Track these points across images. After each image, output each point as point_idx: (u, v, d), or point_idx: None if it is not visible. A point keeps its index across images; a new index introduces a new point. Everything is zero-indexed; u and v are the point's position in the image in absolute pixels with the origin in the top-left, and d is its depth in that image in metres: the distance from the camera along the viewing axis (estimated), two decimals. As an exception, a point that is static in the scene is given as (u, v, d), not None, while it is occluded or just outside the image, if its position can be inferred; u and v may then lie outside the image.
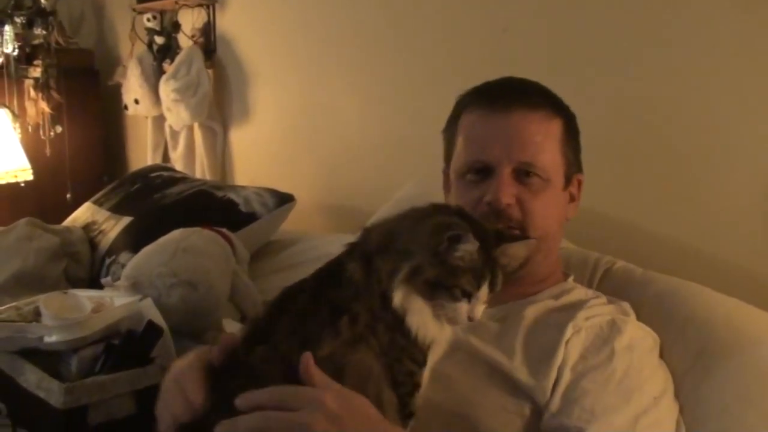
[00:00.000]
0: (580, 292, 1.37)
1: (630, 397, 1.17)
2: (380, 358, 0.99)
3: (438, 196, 1.46)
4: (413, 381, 1.04)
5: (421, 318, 1.02)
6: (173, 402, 1.04)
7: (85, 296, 1.88)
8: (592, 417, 1.14)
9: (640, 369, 1.22)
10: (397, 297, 1.00)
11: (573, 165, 1.36)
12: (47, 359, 1.76)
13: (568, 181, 1.35)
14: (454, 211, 1.11)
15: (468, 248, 0.99)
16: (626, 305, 1.35)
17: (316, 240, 2.50)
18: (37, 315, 1.83)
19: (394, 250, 1.02)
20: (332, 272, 1.05)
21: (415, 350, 1.03)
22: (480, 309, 1.04)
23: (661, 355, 1.32)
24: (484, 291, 1.04)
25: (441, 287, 1.01)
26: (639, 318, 1.35)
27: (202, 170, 3.35)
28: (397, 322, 1.01)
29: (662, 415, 1.21)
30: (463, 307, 1.02)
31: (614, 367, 1.19)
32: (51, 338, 1.75)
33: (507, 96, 1.33)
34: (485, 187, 1.30)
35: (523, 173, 1.29)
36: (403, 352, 1.02)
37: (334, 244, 2.14)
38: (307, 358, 0.94)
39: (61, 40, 3.74)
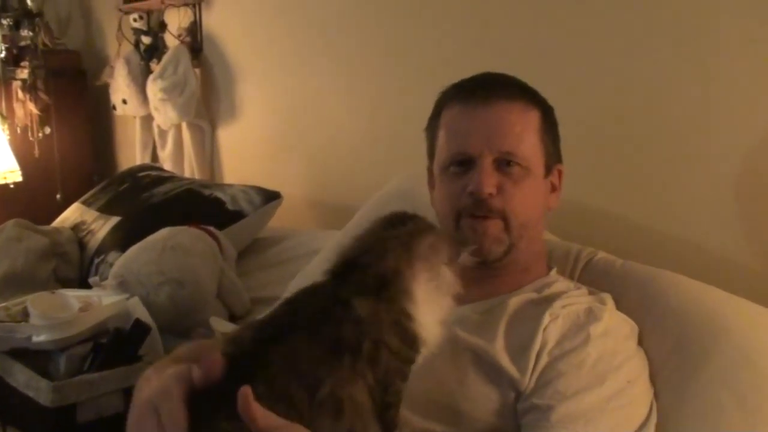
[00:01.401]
0: (561, 285, 1.38)
1: (603, 379, 1.19)
2: (372, 392, 0.95)
3: (422, 193, 1.47)
4: (400, 397, 1.01)
5: (432, 322, 1.00)
6: (149, 429, 0.91)
7: (73, 296, 1.90)
8: (563, 397, 1.16)
9: (614, 354, 1.23)
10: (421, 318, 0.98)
11: (552, 155, 1.38)
12: (36, 358, 1.78)
13: (548, 170, 1.37)
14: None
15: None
16: (606, 296, 1.36)
17: (303, 237, 2.52)
18: (25, 315, 1.85)
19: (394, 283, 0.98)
20: (329, 309, 0.97)
21: (410, 366, 0.99)
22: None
23: (640, 344, 1.33)
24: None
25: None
26: (619, 308, 1.36)
27: (190, 169, 3.36)
28: (411, 340, 0.98)
29: (635, 398, 1.22)
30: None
31: (588, 351, 1.21)
32: (39, 338, 1.77)
33: (485, 88, 1.36)
34: (468, 178, 1.32)
35: (504, 163, 1.31)
36: (398, 374, 0.98)
37: (321, 240, 2.19)
38: (246, 396, 0.84)
39: (48, 42, 3.74)
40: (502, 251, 1.34)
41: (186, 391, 0.90)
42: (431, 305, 1.00)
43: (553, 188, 1.42)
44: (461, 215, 1.34)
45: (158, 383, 0.94)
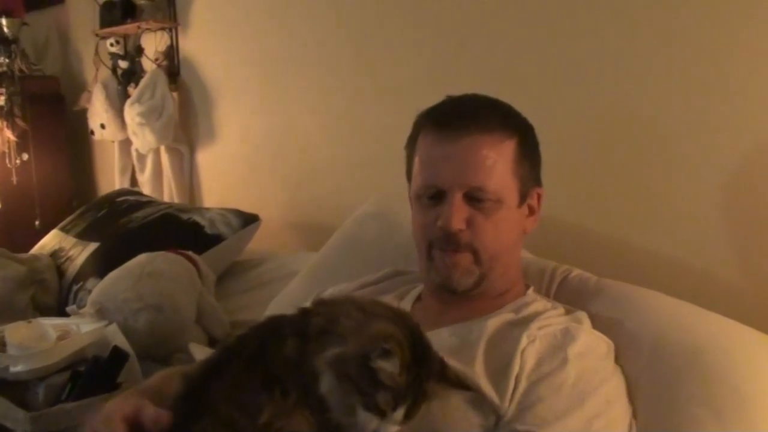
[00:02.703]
0: (538, 305, 1.38)
1: (583, 400, 1.19)
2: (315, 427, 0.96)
3: (397, 213, 1.47)
4: None
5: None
6: None
7: (51, 324, 1.89)
8: (544, 422, 1.16)
9: (593, 373, 1.24)
10: (324, 381, 0.95)
11: (529, 180, 1.37)
12: (14, 389, 1.77)
13: (523, 198, 1.36)
14: (411, 325, 1.05)
15: (388, 368, 0.93)
16: (582, 314, 1.37)
17: (282, 259, 2.52)
18: (2, 345, 1.83)
19: (333, 334, 0.99)
20: (272, 341, 1.01)
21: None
22: (390, 430, 0.96)
23: (617, 361, 1.34)
24: (399, 414, 0.95)
25: (358, 392, 0.94)
26: (594, 325, 1.36)
27: (170, 192, 3.36)
28: (324, 408, 0.96)
29: (615, 418, 1.23)
30: (372, 421, 0.94)
31: (567, 372, 1.21)
32: (16, 368, 1.76)
33: (459, 119, 1.34)
34: (439, 210, 1.33)
35: (475, 197, 1.31)
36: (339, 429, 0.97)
37: (300, 262, 2.19)
38: None
39: (24, 68, 3.73)
40: (472, 282, 1.35)
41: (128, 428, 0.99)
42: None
43: (531, 211, 1.41)
44: (433, 246, 1.36)
45: (103, 413, 1.03)
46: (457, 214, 1.30)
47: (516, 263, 1.43)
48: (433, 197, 1.35)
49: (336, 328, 1.00)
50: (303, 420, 0.95)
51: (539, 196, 1.41)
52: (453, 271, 1.35)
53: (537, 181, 1.41)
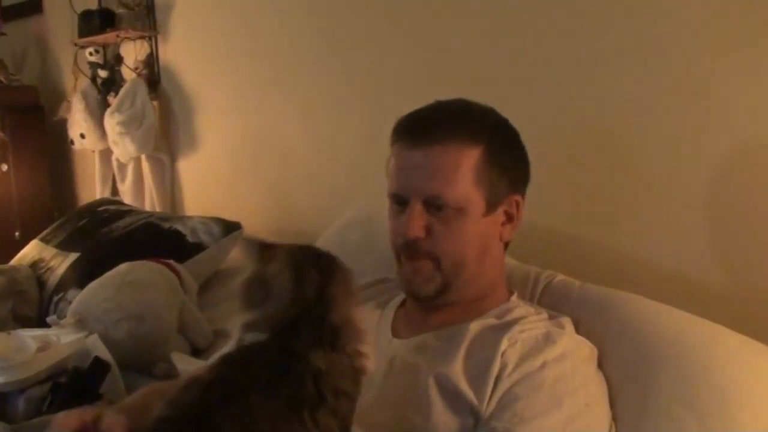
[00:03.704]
0: (521, 310, 1.38)
1: (561, 402, 1.20)
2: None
3: (380, 220, 1.47)
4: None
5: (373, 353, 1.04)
6: None
7: (30, 336, 1.87)
8: (521, 420, 1.17)
9: (572, 376, 1.24)
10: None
11: (501, 188, 1.36)
12: (-7, 401, 1.75)
13: (491, 206, 1.36)
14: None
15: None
16: (565, 320, 1.37)
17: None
18: (-18, 357, 1.81)
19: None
20: (285, 365, 0.97)
21: (357, 400, 1.03)
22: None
23: (600, 366, 1.34)
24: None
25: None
26: (578, 330, 1.37)
27: (151, 202, 3.34)
28: (359, 377, 1.02)
29: (593, 422, 1.24)
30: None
31: (546, 374, 1.22)
32: (-4, 380, 1.74)
33: (424, 127, 1.36)
34: (403, 218, 1.35)
35: (434, 206, 1.32)
36: (351, 413, 1.01)
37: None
38: None
39: (3, 78, 3.73)
40: (434, 289, 1.36)
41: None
42: (370, 338, 1.04)
43: (509, 218, 1.40)
44: (400, 253, 1.38)
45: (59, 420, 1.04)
46: (415, 222, 1.32)
47: (491, 270, 1.42)
48: (400, 204, 1.36)
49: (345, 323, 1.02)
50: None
51: (518, 203, 1.41)
52: (414, 277, 1.37)
53: (513, 188, 1.40)
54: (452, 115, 1.38)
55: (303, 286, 1.01)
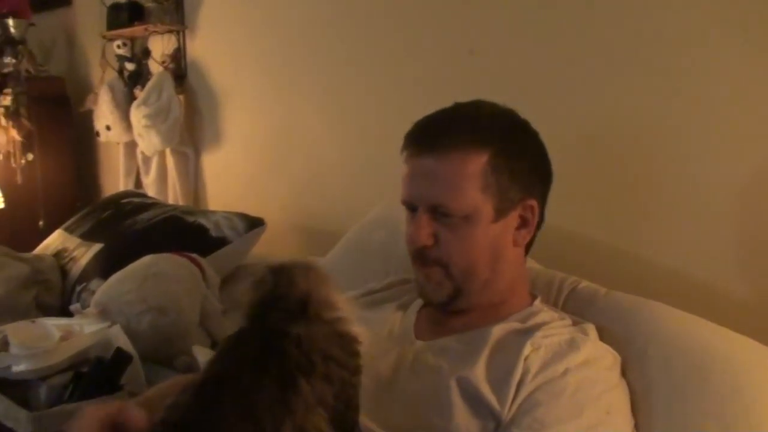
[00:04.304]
0: (545, 315, 1.37)
1: (582, 409, 1.19)
2: (333, 417, 0.98)
3: (404, 220, 1.47)
4: (358, 412, 1.05)
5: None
6: None
7: (53, 324, 1.88)
8: (541, 426, 1.16)
9: (594, 384, 1.23)
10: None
11: (511, 192, 1.34)
12: (16, 388, 1.76)
13: (501, 212, 1.34)
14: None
15: None
16: (589, 326, 1.36)
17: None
18: (5, 344, 1.83)
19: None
20: (267, 343, 1.00)
21: (359, 377, 1.04)
22: None
23: (624, 375, 1.33)
24: None
25: None
26: (602, 337, 1.36)
27: (174, 195, 3.35)
28: (349, 345, 1.04)
29: (615, 430, 1.23)
30: None
31: (568, 381, 1.21)
32: (19, 367, 1.75)
33: (430, 135, 1.35)
34: (411, 225, 1.35)
35: (440, 213, 1.32)
36: (351, 387, 1.02)
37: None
38: None
39: (31, 68, 3.74)
40: (446, 295, 1.36)
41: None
42: (346, 305, 1.07)
43: (524, 223, 1.38)
44: (414, 259, 1.39)
45: (83, 420, 1.03)
46: (422, 230, 1.33)
47: (507, 274, 1.40)
48: (412, 210, 1.36)
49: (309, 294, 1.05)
50: (322, 416, 0.97)
51: (533, 208, 1.38)
52: (426, 284, 1.38)
53: (528, 192, 1.37)
54: (460, 121, 1.37)
55: (263, 279, 1.05)
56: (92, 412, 1.04)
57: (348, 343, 1.04)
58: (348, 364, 1.02)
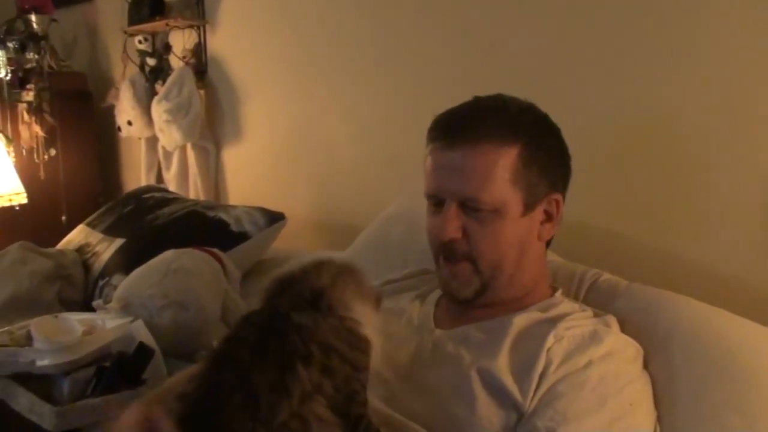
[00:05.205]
0: (566, 306, 1.37)
1: (605, 402, 1.18)
2: (334, 406, 0.99)
3: (424, 215, 1.46)
4: (367, 406, 1.05)
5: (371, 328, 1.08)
6: None
7: (76, 319, 1.89)
8: (563, 419, 1.16)
9: (616, 376, 1.23)
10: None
11: (540, 187, 1.34)
12: (39, 383, 1.77)
13: (528, 206, 1.34)
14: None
15: None
16: (611, 318, 1.36)
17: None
18: (29, 339, 1.84)
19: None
20: (271, 324, 1.03)
21: (366, 373, 1.05)
22: None
23: (646, 367, 1.32)
24: None
25: None
26: (624, 329, 1.35)
27: (195, 190, 3.36)
28: (357, 342, 1.05)
29: (638, 422, 1.22)
30: None
31: (590, 373, 1.21)
32: (43, 362, 1.76)
33: (456, 128, 1.33)
34: (438, 218, 1.34)
35: (470, 206, 1.31)
36: (357, 382, 1.03)
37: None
38: None
39: (53, 64, 3.76)
40: (473, 291, 1.36)
41: None
42: (365, 312, 1.09)
43: (549, 217, 1.38)
44: (439, 254, 1.37)
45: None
46: (450, 224, 1.31)
47: (531, 269, 1.40)
48: (437, 204, 1.35)
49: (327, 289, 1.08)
50: (321, 403, 0.98)
51: (557, 203, 1.38)
52: (452, 280, 1.37)
53: (553, 186, 1.37)
54: (488, 113, 1.35)
55: (295, 272, 1.10)
56: (126, 419, 1.06)
57: (355, 340, 1.04)
58: (352, 360, 1.02)
